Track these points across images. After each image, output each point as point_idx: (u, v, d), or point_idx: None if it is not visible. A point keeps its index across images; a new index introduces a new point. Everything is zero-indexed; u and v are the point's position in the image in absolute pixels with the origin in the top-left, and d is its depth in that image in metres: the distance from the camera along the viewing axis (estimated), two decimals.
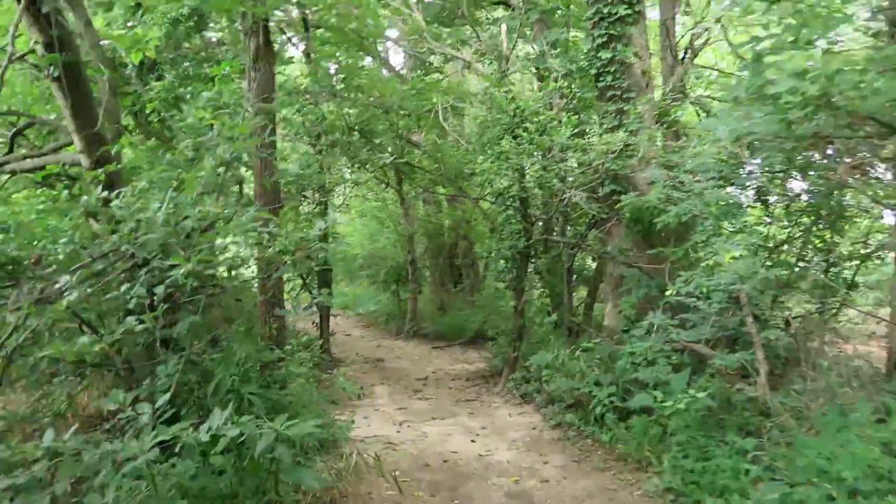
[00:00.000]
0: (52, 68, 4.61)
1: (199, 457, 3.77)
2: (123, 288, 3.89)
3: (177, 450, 3.47)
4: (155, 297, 3.88)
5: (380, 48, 15.08)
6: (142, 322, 3.70)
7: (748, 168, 7.00)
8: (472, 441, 6.85)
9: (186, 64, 8.90)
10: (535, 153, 8.08)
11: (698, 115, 11.93)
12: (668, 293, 6.56)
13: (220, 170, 4.35)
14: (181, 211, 4.08)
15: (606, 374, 6.93)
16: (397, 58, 19.61)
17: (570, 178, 8.11)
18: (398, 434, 7.11)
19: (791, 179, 7.11)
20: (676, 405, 5.33)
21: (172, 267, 3.75)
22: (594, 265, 11.62)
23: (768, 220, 7.40)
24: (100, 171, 4.55)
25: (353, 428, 6.82)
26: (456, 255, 17.75)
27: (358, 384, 8.61)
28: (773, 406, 5.35)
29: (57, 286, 3.59)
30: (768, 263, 6.65)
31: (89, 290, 3.72)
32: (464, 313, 15.18)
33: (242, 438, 3.45)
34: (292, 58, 11.17)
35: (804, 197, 7.08)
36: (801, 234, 7.18)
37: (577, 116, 8.39)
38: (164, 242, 3.86)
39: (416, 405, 8.61)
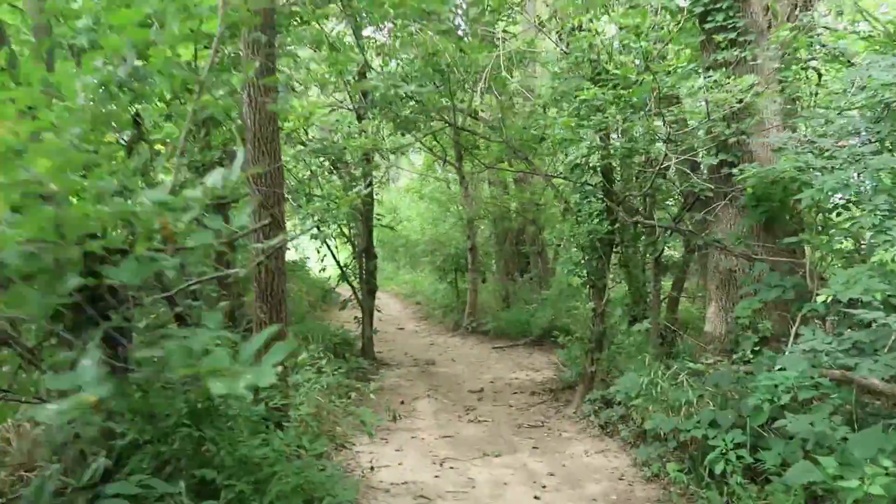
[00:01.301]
0: None
1: None
2: None
3: None
4: None
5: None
6: None
7: None
8: (536, 498, 5.01)
9: None
10: (626, 109, 6.07)
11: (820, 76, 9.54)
12: (819, 298, 4.57)
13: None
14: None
15: (726, 412, 4.93)
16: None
17: (671, 143, 6.04)
18: (436, 480, 5.33)
19: None
20: (865, 487, 3.33)
21: None
22: (676, 255, 9.50)
23: None
24: None
25: (372, 472, 5.13)
26: (522, 242, 15.92)
27: (389, 411, 6.88)
28: None
29: None
30: None
31: None
32: (530, 308, 13.28)
33: None
34: None
35: None
36: None
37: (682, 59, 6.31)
38: None
39: (466, 431, 6.82)
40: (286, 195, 6.55)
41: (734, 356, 5.63)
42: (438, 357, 11.06)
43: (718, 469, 4.49)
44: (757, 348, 5.33)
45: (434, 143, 13.89)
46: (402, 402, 8.01)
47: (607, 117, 5.99)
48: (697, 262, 9.53)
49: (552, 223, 15.13)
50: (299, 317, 10.49)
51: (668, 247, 9.00)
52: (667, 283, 8.97)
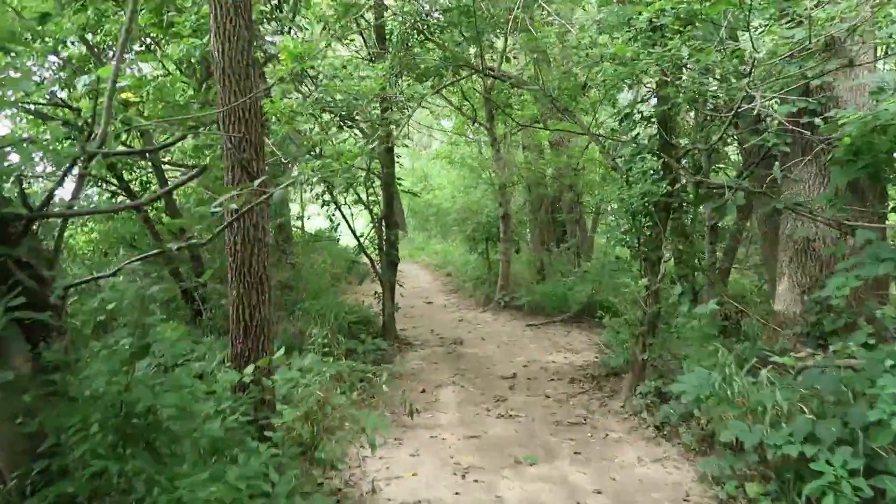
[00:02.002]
0: None
1: None
2: None
3: None
4: None
5: None
6: None
7: None
8: None
9: None
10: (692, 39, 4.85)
11: None
12: None
13: None
14: None
15: (828, 422, 3.80)
16: None
17: (750, 80, 4.79)
18: (457, 498, 4.34)
19: None
20: None
21: None
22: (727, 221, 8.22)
23: None
24: None
25: (375, 494, 4.19)
26: (559, 210, 14.79)
27: (405, 404, 5.87)
28: None
29: None
30: None
31: None
32: (567, 281, 12.16)
33: None
34: None
35: None
36: None
37: None
38: None
39: (495, 429, 5.81)
40: (271, 146, 5.52)
41: (831, 347, 4.46)
42: (467, 335, 10.05)
43: (830, 502, 3.39)
44: (871, 340, 4.15)
45: (463, 101, 12.71)
46: (423, 391, 7.04)
47: (669, 49, 4.78)
48: (759, 228, 8.27)
49: (591, 189, 13.92)
50: (314, 292, 9.59)
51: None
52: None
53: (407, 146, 11.96)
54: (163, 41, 7.45)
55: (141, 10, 6.21)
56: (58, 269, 3.24)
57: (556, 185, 14.49)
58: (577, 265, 13.66)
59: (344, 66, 6.23)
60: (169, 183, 9.59)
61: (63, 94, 7.51)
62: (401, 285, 9.82)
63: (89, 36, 7.52)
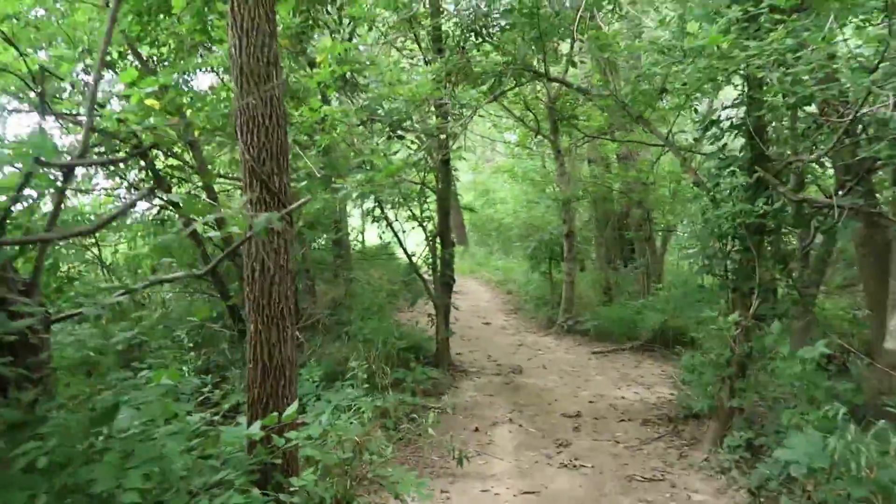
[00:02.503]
0: None
1: None
2: None
3: None
4: None
5: None
6: None
7: None
8: None
9: None
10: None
11: None
12: None
13: None
14: None
15: None
16: None
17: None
18: None
19: None
20: None
21: None
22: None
23: None
24: None
25: None
26: (626, 227, 13.93)
27: (453, 450, 5.15)
28: None
29: None
30: None
31: None
32: (636, 304, 11.24)
33: None
34: None
35: None
36: None
37: None
38: None
39: (558, 483, 5.04)
40: (305, 159, 4.98)
41: None
42: (527, 363, 9.30)
43: None
44: None
45: (526, 112, 12.01)
46: (477, 429, 6.35)
47: (771, 41, 3.97)
48: (857, 250, 7.22)
49: (663, 206, 12.96)
50: (367, 311, 9.07)
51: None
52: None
53: (465, 158, 11.34)
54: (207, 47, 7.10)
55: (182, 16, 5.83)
56: (36, 298, 2.75)
57: (624, 200, 13.63)
58: (646, 287, 12.71)
59: (391, 69, 5.65)
60: (219, 199, 9.29)
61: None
62: (455, 307, 9.17)
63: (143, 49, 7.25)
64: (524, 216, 20.70)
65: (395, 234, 8.35)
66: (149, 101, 4.32)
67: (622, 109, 6.25)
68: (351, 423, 4.45)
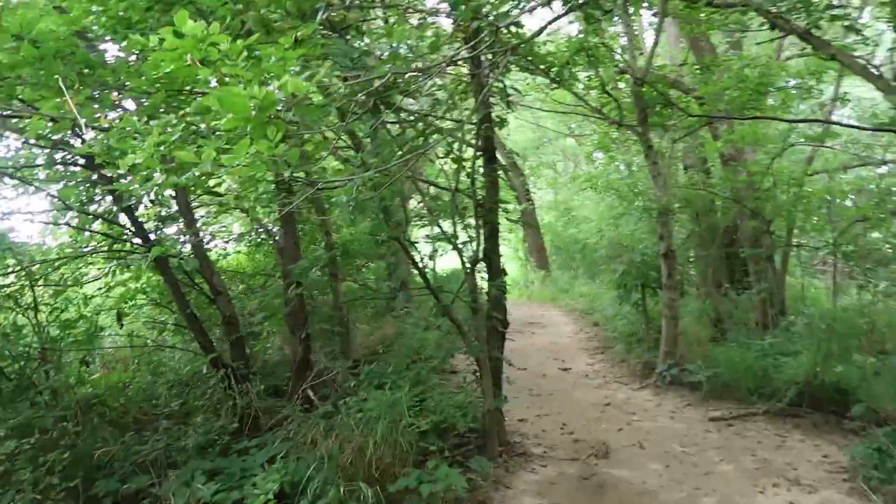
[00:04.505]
0: None
1: None
2: None
3: None
4: None
5: None
6: None
7: None
8: None
9: None
10: None
11: None
12: None
13: None
14: None
15: None
16: None
17: None
18: None
19: None
20: None
21: None
22: None
23: None
24: None
25: None
26: (737, 243, 11.08)
27: None
28: None
29: None
30: None
31: None
32: (761, 344, 8.31)
33: None
34: None
35: None
36: None
37: None
38: None
39: None
40: None
41: None
42: (616, 436, 6.63)
43: None
44: None
45: (604, 97, 9.39)
46: None
47: None
48: None
49: (790, 215, 10.01)
50: (400, 363, 6.79)
51: None
52: None
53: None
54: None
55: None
56: None
57: (733, 210, 10.75)
58: (769, 318, 9.74)
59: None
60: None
61: None
62: (510, 363, 6.63)
63: None
64: (610, 234, 17.89)
65: (414, 262, 5.94)
66: None
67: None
68: None
